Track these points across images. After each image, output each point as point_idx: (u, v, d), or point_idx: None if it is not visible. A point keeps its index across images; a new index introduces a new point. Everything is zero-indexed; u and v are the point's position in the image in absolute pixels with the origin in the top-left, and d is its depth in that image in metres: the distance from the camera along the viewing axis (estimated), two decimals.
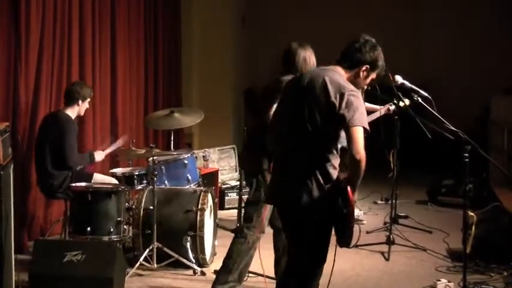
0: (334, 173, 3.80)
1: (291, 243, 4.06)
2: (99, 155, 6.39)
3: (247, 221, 4.97)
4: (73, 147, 6.10)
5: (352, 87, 3.78)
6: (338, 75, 3.83)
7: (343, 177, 3.77)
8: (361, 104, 3.73)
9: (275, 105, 4.52)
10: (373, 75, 3.91)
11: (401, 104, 6.39)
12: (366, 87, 4.09)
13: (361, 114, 3.70)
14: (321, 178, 3.76)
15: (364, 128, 3.71)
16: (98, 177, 6.28)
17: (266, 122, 4.51)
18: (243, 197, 6.07)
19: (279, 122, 4.07)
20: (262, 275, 5.17)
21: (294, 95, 3.95)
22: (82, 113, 6.41)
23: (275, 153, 4.10)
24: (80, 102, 6.26)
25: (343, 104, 3.69)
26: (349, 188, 3.72)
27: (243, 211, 5.39)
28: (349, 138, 3.68)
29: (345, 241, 3.84)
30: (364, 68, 3.87)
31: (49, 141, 6.11)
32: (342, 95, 3.71)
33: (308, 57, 4.84)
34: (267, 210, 4.88)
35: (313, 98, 3.80)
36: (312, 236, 3.87)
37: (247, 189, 8.28)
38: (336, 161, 3.81)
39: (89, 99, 6.35)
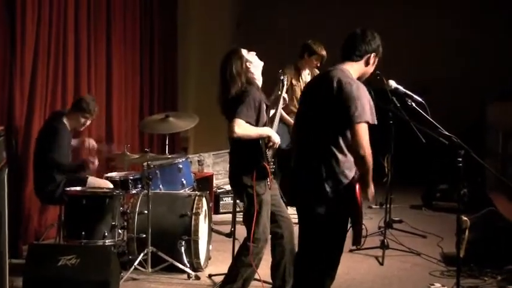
0: (349, 167, 3.89)
1: (306, 244, 4.13)
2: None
3: (249, 234, 4.91)
4: (56, 150, 6.07)
5: (356, 83, 3.91)
6: (344, 73, 3.96)
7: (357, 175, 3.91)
8: (363, 98, 3.84)
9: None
10: (376, 61, 4.12)
11: None
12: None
13: (364, 109, 3.80)
14: (332, 175, 3.87)
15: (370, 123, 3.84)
16: (92, 181, 6.27)
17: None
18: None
19: (296, 125, 4.29)
20: (259, 280, 5.17)
21: (305, 99, 4.20)
22: (77, 125, 6.34)
23: (293, 153, 4.22)
24: (73, 112, 6.28)
25: (345, 99, 3.81)
26: (357, 189, 3.85)
27: (237, 216, 5.38)
28: (352, 135, 3.80)
29: (354, 240, 3.98)
30: (372, 56, 4.06)
31: (42, 147, 6.13)
32: (341, 89, 3.84)
33: None
34: (262, 218, 4.88)
35: (320, 99, 3.97)
36: (326, 235, 3.97)
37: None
38: (347, 155, 3.89)
39: (85, 114, 6.25)
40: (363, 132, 3.77)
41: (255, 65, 4.96)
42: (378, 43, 4.07)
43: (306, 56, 7.50)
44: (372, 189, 3.95)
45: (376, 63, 4.12)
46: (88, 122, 6.37)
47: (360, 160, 3.78)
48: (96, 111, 6.39)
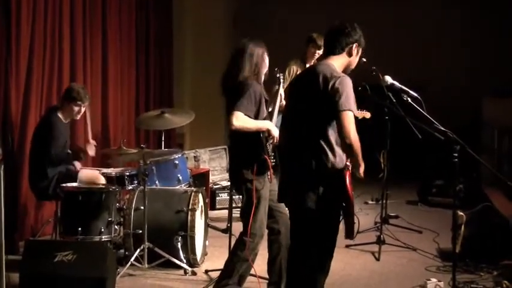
0: (338, 161, 3.90)
1: (298, 238, 4.12)
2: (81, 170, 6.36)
3: (245, 229, 4.93)
4: (51, 143, 6.07)
5: (340, 74, 3.93)
6: (329, 67, 3.98)
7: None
8: (347, 89, 3.85)
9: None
10: (360, 51, 4.13)
11: None
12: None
13: (347, 98, 3.81)
14: (322, 169, 3.87)
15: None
16: (84, 174, 6.25)
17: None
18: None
19: (284, 119, 4.27)
20: (255, 275, 5.17)
21: (292, 92, 4.21)
22: (72, 115, 6.32)
23: (282, 148, 4.24)
24: (66, 103, 6.26)
25: (330, 91, 3.83)
26: (348, 181, 3.84)
27: (233, 212, 5.36)
28: (338, 124, 3.82)
29: (347, 233, 3.96)
30: (354, 46, 4.07)
31: (38, 142, 6.12)
32: (327, 83, 3.86)
33: None
34: (260, 213, 4.88)
35: (307, 94, 3.98)
36: (317, 229, 3.96)
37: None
38: (335, 149, 3.90)
39: (78, 102, 6.22)
40: (349, 120, 3.78)
41: (265, 63, 4.99)
42: (358, 33, 4.08)
43: (307, 47, 7.56)
44: (362, 167, 3.92)
45: (359, 53, 4.13)
46: (83, 109, 6.32)
47: (347, 148, 3.79)
48: (88, 97, 6.36)
